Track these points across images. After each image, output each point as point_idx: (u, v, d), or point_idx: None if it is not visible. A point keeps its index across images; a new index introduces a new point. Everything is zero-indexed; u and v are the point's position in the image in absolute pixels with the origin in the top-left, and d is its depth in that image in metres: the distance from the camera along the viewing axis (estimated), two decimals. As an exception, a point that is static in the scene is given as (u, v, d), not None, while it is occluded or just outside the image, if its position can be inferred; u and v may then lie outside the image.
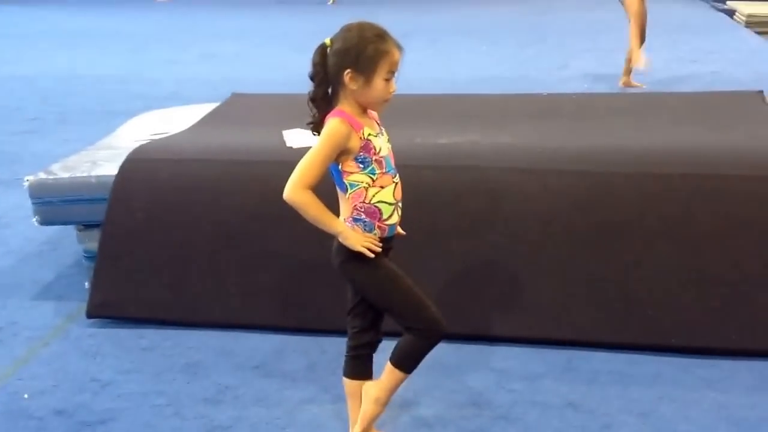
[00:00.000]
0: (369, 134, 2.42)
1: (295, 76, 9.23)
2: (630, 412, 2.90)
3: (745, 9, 12.21)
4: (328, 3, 16.12)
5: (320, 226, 2.44)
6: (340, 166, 2.43)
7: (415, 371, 2.55)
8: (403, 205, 2.52)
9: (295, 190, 2.37)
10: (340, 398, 2.88)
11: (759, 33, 11.25)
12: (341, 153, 2.40)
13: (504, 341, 3.36)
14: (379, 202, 2.45)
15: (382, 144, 2.46)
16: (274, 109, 4.85)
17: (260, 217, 3.61)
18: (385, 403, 2.62)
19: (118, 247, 3.70)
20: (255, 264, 3.59)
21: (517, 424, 2.82)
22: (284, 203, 2.39)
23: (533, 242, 3.47)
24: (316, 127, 2.46)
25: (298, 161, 2.39)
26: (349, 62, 2.35)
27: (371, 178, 2.43)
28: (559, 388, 3.05)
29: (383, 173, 2.44)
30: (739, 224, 3.38)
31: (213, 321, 3.57)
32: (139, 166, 3.85)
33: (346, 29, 2.40)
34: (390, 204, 2.47)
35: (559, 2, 15.02)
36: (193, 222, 3.67)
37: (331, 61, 2.39)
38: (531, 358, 3.26)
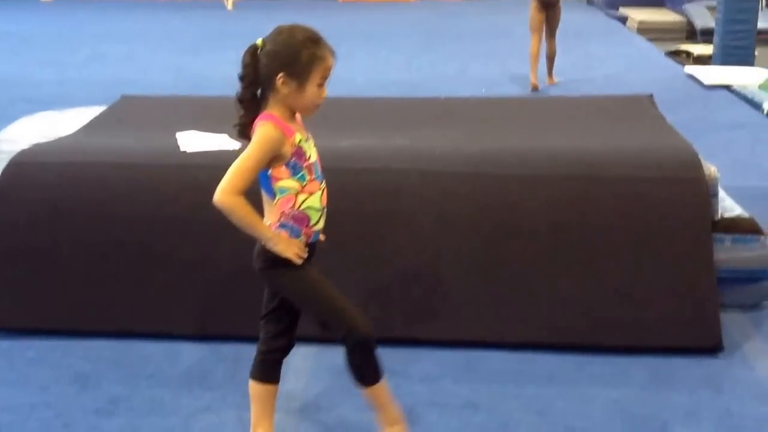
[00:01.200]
0: (300, 140, 2.43)
1: (186, 79, 9.21)
2: (527, 410, 2.99)
3: (636, 16, 12.72)
4: (227, 8, 15.99)
5: (249, 232, 2.43)
6: (269, 172, 2.42)
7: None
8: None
9: (226, 195, 2.35)
10: (239, 405, 2.87)
11: (649, 39, 11.73)
12: (272, 159, 2.40)
13: (406, 344, 3.40)
14: (307, 208, 2.47)
15: (311, 150, 2.48)
16: (165, 112, 4.79)
17: (151, 222, 3.55)
18: (394, 419, 2.65)
19: (1, 254, 3.59)
20: (145, 270, 3.53)
21: (417, 426, 2.86)
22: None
23: (434, 245, 3.53)
24: (243, 129, 2.46)
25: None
26: (283, 66, 2.36)
27: (300, 184, 2.44)
28: (459, 388, 3.12)
29: (312, 179, 2.46)
30: (630, 223, 3.52)
31: (103, 329, 3.49)
32: (24, 170, 3.74)
33: (279, 31, 2.40)
34: (317, 210, 2.49)
35: (460, 7, 15.30)
36: (80, 227, 3.59)
37: (262, 62, 2.38)
38: (431, 360, 3.31)
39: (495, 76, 9.18)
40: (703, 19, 11.19)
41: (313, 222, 2.49)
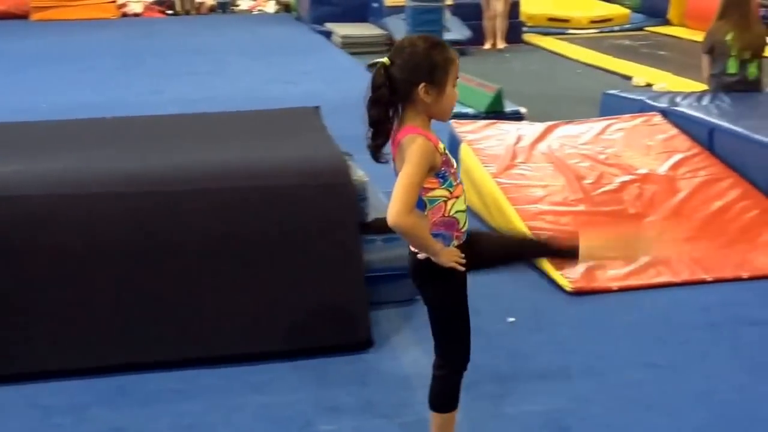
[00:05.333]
0: (443, 148, 2.51)
1: None
2: (177, 426, 3.09)
3: (340, 31, 13.25)
4: None
5: (423, 249, 2.52)
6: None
7: None
8: None
9: (404, 216, 2.40)
10: None
11: (353, 53, 12.27)
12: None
13: (54, 376, 3.38)
14: (456, 212, 2.56)
15: (449, 155, 2.55)
16: None
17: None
18: None
19: None
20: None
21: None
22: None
23: (79, 269, 3.54)
24: (377, 151, 2.50)
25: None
26: (423, 76, 2.43)
27: (450, 191, 2.52)
28: (107, 414, 3.16)
29: (457, 184, 2.55)
30: (284, 231, 3.71)
31: None
32: None
33: (404, 45, 2.50)
34: (464, 212, 2.59)
35: (162, 25, 15.19)
36: None
37: (398, 78, 2.44)
38: (80, 390, 3.32)
39: (194, 95, 9.23)
40: (401, 33, 11.86)
41: (461, 225, 2.58)
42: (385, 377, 3.39)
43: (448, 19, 11.40)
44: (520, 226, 4.54)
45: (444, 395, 2.72)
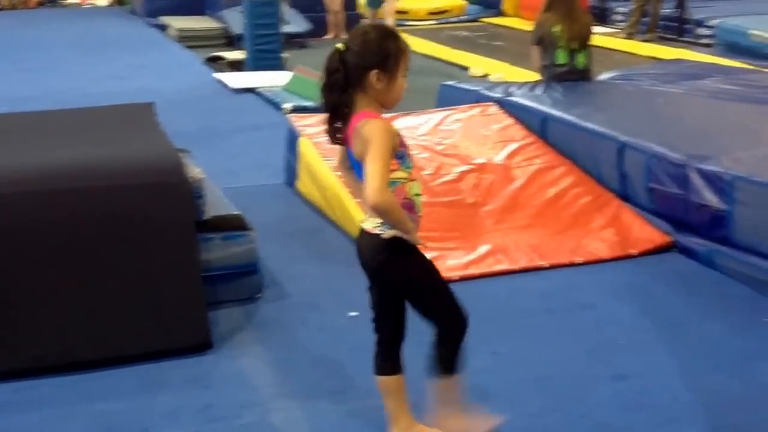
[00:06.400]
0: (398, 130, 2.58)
1: None
2: (2, 443, 2.92)
3: (176, 24, 12.96)
4: None
5: (399, 227, 2.54)
6: None
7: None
8: None
9: (384, 194, 2.45)
10: None
11: (190, 47, 12.02)
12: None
13: None
14: (414, 195, 2.63)
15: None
16: None
17: None
18: (458, 414, 2.80)
19: None
20: None
21: None
22: None
23: None
24: (336, 134, 2.61)
25: None
26: (375, 63, 2.52)
27: (408, 173, 2.59)
28: None
29: (414, 166, 2.63)
30: (120, 233, 3.55)
31: None
32: None
33: (359, 32, 2.59)
34: (420, 195, 2.65)
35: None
36: None
37: (351, 63, 2.52)
38: None
39: (25, 92, 8.81)
40: (239, 26, 11.70)
41: (418, 208, 2.64)
42: (225, 379, 3.32)
43: (287, 11, 11.35)
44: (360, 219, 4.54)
45: (452, 360, 2.75)
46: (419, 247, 2.65)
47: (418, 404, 2.84)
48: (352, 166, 2.69)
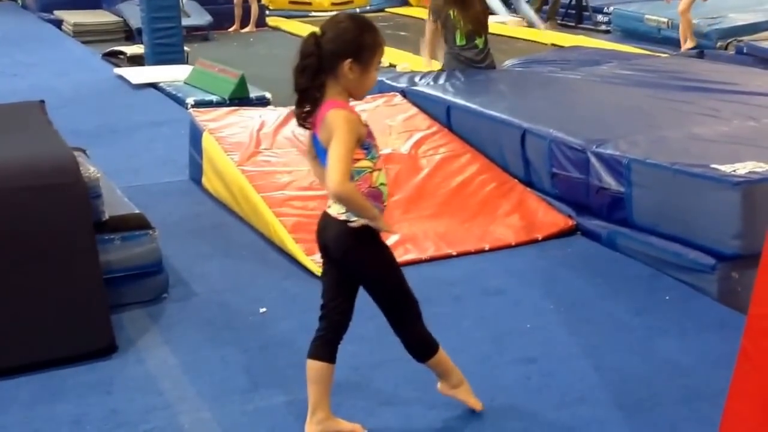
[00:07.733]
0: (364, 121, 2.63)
1: None
2: None
3: (71, 18, 12.63)
4: None
5: (362, 214, 2.61)
6: None
7: None
8: None
9: (344, 184, 2.50)
10: None
11: (87, 42, 11.74)
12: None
13: None
14: (380, 184, 2.68)
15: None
16: None
17: None
18: (461, 379, 2.97)
19: None
20: None
21: None
22: None
23: None
24: (306, 118, 2.63)
25: None
26: (350, 52, 2.55)
27: (373, 163, 2.64)
28: None
29: (379, 156, 2.68)
30: (15, 237, 3.45)
31: None
32: None
33: (338, 20, 2.62)
34: (386, 185, 2.70)
35: None
36: None
37: (326, 49, 2.55)
38: None
39: None
40: (137, 19, 11.48)
41: (384, 197, 2.70)
42: (130, 383, 3.26)
43: (187, 4, 11.18)
44: (268, 213, 4.52)
45: (422, 344, 2.87)
46: (383, 234, 2.75)
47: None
48: (318, 154, 2.72)
